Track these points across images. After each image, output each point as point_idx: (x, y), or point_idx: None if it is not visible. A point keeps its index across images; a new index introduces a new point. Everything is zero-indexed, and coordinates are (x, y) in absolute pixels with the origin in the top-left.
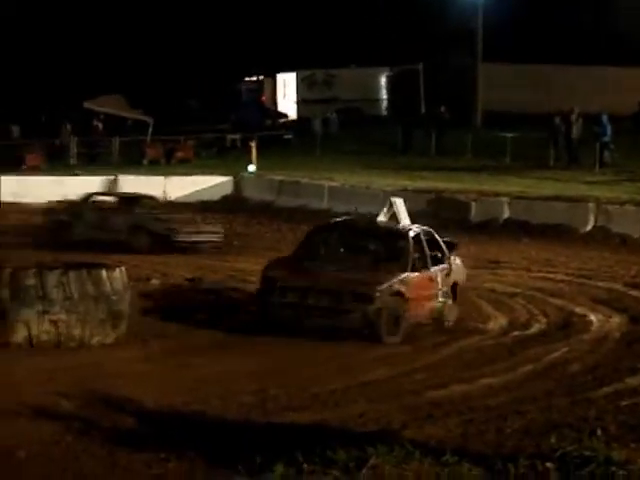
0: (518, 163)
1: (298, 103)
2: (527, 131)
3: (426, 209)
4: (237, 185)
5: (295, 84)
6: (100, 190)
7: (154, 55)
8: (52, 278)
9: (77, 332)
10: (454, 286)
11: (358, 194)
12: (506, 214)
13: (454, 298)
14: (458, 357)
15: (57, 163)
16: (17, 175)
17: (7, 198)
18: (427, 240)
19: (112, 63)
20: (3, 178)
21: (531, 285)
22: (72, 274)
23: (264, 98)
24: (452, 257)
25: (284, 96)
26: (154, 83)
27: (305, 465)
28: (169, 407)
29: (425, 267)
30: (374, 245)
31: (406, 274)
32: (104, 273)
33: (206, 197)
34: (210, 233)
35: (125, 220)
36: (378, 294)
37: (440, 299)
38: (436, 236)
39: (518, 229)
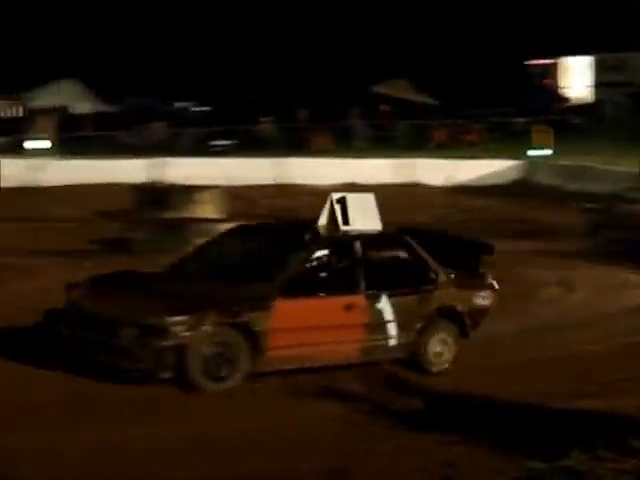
0: None
1: (590, 87)
2: None
3: None
4: (526, 169)
5: (586, 68)
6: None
7: (439, 40)
8: None
9: None
10: (454, 314)
11: None
12: None
13: (462, 331)
14: None
15: (344, 146)
16: (305, 157)
17: (297, 180)
18: (389, 251)
19: (397, 48)
20: (293, 160)
21: None
22: None
23: (550, 81)
24: (478, 273)
25: (572, 80)
26: (437, 67)
27: (603, 452)
28: (457, 391)
29: (348, 290)
30: (258, 257)
31: (276, 298)
32: None
33: (493, 181)
34: None
35: None
36: (175, 327)
37: (392, 333)
38: (414, 247)
39: None
